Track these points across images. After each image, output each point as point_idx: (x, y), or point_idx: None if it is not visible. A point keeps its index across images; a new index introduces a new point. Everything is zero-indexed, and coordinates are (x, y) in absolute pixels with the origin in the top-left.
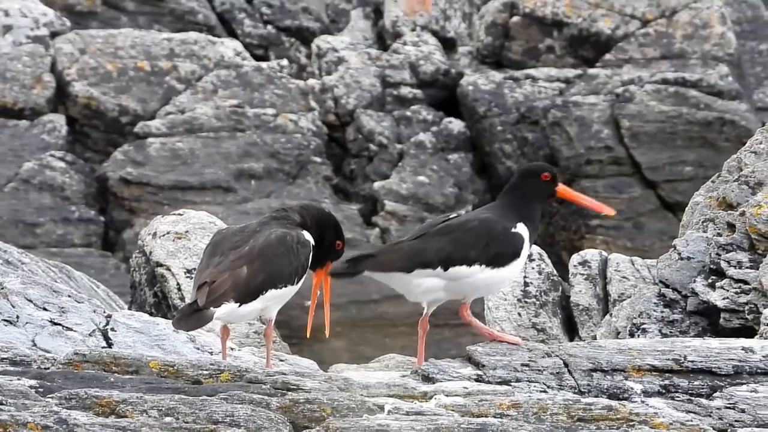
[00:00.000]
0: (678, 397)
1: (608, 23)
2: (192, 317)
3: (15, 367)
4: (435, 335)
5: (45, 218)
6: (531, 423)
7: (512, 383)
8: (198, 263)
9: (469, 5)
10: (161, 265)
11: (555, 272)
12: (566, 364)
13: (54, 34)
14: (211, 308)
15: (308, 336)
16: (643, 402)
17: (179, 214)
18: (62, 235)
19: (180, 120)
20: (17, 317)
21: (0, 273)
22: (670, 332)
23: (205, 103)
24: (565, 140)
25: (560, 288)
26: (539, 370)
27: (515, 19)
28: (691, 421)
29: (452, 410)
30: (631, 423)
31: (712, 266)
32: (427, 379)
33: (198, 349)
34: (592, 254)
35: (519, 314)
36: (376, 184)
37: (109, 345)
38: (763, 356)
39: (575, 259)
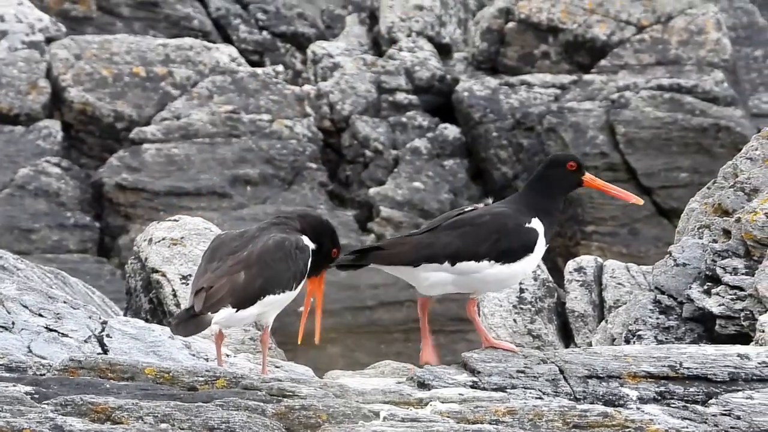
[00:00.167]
0: (674, 403)
1: (603, 29)
2: (189, 323)
3: (10, 374)
4: None
5: (40, 224)
6: (526, 430)
7: (508, 390)
8: (196, 269)
9: (465, 11)
10: (157, 272)
11: (550, 279)
12: (562, 371)
13: (49, 40)
14: (209, 313)
15: (299, 342)
16: (638, 409)
17: (175, 220)
18: (58, 241)
19: (175, 126)
20: (13, 323)
21: None
22: (666, 339)
23: (200, 108)
24: (561, 146)
25: (556, 294)
26: (535, 377)
27: (510, 25)
28: (687, 427)
29: (448, 417)
30: (627, 430)
31: (707, 273)
32: (423, 385)
33: (194, 355)
34: (587, 261)
35: (515, 321)
36: (372, 190)
37: (105, 351)
38: (759, 363)
39: (571, 265)
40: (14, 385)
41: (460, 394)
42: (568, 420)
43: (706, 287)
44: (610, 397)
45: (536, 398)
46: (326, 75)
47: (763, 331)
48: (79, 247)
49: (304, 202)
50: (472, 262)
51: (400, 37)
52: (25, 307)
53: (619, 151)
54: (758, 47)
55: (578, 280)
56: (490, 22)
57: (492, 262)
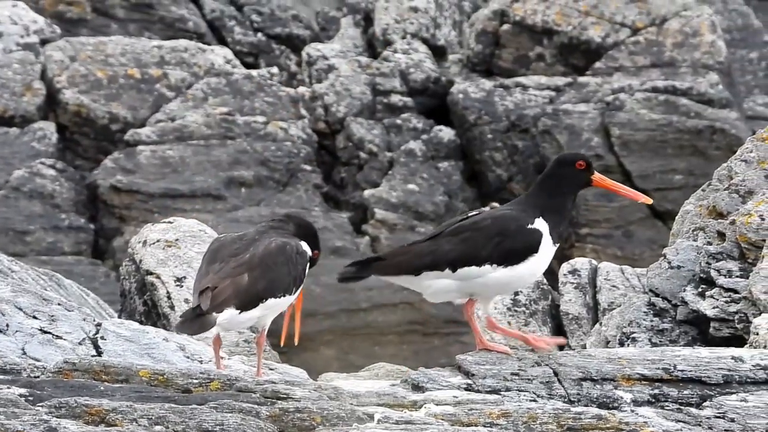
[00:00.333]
0: (668, 406)
1: (598, 31)
2: (195, 322)
3: (5, 376)
4: (424, 344)
5: (35, 226)
6: None
7: (502, 392)
8: (191, 271)
9: (460, 13)
10: (151, 274)
11: (545, 281)
12: (556, 373)
13: (44, 42)
14: (213, 314)
15: (282, 344)
16: (632, 411)
17: (169, 222)
18: (52, 243)
19: (170, 128)
20: (7, 325)
21: None
22: (660, 341)
23: (195, 110)
24: (556, 148)
25: (550, 297)
26: (529, 379)
27: (505, 27)
28: (681, 430)
29: (442, 419)
30: None
31: (702, 275)
32: (417, 388)
33: (188, 357)
34: (581, 263)
35: (509, 323)
36: (366, 192)
37: (99, 353)
38: (753, 365)
39: (565, 267)
40: (8, 388)
41: (454, 397)
42: (563, 422)
43: (700, 290)
44: (605, 399)
45: (530, 401)
46: (321, 77)
47: (758, 334)
48: (74, 249)
49: (299, 204)
50: (474, 267)
51: (395, 39)
52: (20, 309)
53: (614, 153)
54: (753, 49)
55: (572, 283)
56: (484, 24)
57: (494, 265)
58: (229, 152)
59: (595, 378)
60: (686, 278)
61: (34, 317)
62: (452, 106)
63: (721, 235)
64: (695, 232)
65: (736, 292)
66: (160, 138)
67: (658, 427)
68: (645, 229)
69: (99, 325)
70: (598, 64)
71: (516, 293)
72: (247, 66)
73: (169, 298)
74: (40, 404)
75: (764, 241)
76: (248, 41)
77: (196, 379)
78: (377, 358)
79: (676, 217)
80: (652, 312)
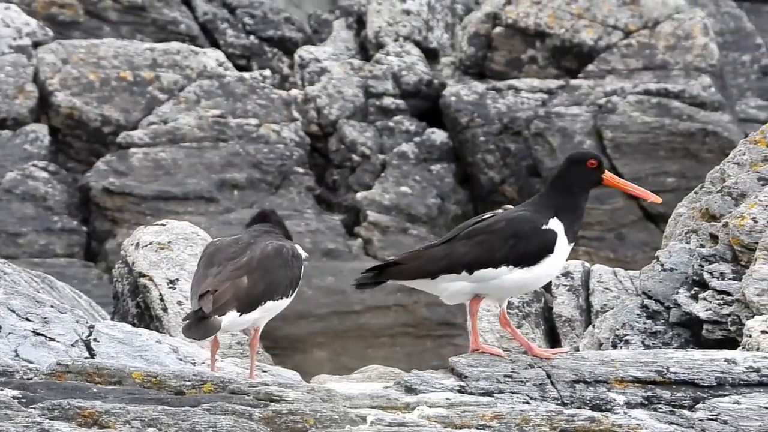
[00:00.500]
0: (661, 408)
1: (591, 34)
2: (200, 326)
3: None
4: (417, 346)
5: (27, 228)
6: None
7: (495, 394)
8: (183, 273)
9: (452, 16)
10: (144, 276)
11: None
12: (549, 376)
13: (36, 44)
14: (216, 316)
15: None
16: (625, 413)
17: (162, 225)
18: (45, 246)
19: (163, 130)
20: (0, 327)
21: None
22: (653, 343)
23: (187, 113)
24: (548, 151)
25: (543, 299)
26: (522, 382)
27: (498, 29)
28: None
29: (435, 421)
30: None
31: (695, 277)
32: (410, 390)
33: (181, 359)
34: (574, 265)
35: None
36: (359, 195)
37: (92, 355)
38: (746, 368)
39: None
40: (1, 389)
41: (447, 399)
42: (555, 425)
43: (693, 292)
44: (597, 401)
45: (523, 403)
46: (313, 79)
47: (750, 336)
48: (66, 252)
49: (292, 207)
50: (490, 269)
51: (388, 41)
52: (12, 311)
53: (607, 155)
54: (745, 52)
55: (565, 285)
56: (477, 27)
57: (510, 267)
58: (221, 154)
59: (588, 380)
60: (679, 281)
61: (27, 319)
62: (445, 108)
63: (714, 238)
64: (688, 235)
65: (728, 294)
66: (153, 140)
67: (650, 430)
68: (638, 232)
69: (92, 327)
70: (590, 67)
71: None
72: (240, 68)
73: (161, 300)
74: (33, 406)
75: (757, 243)
76: (241, 44)
77: (189, 381)
78: (370, 361)
79: (669, 220)
80: (645, 314)
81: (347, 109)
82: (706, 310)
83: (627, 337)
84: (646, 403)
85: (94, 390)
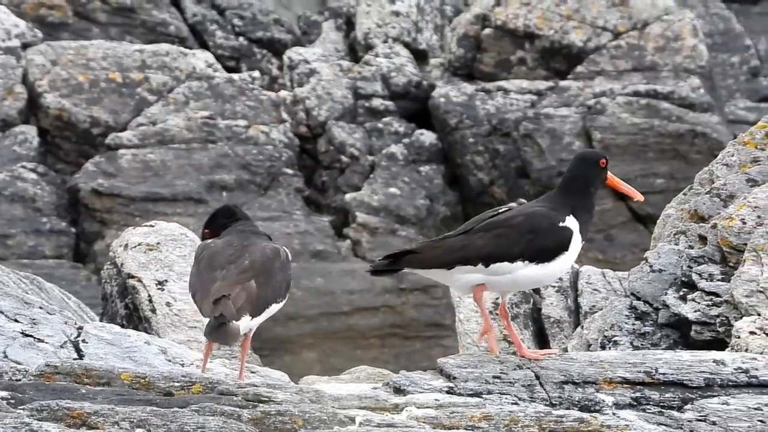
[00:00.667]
0: (649, 409)
1: (580, 35)
2: (222, 331)
3: None
4: (405, 347)
5: (16, 230)
6: None
7: (484, 395)
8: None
9: (441, 17)
10: (132, 277)
11: None
12: (538, 377)
13: (26, 46)
14: (233, 322)
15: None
16: (614, 414)
17: (151, 226)
18: (33, 247)
19: (152, 131)
20: None
21: None
22: (642, 345)
23: (176, 114)
24: (537, 152)
25: (531, 300)
26: (511, 383)
27: (487, 31)
28: None
29: (424, 422)
30: None
31: (683, 279)
32: (399, 391)
33: (169, 361)
34: None
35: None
36: (348, 196)
37: (81, 357)
38: (735, 369)
39: None
40: None
41: (436, 400)
42: (544, 425)
43: (681, 293)
44: (586, 402)
45: (512, 404)
46: (302, 81)
47: (739, 337)
48: (55, 253)
49: (281, 208)
50: (506, 263)
51: (377, 43)
52: (1, 312)
53: None
54: (734, 53)
55: (554, 286)
56: (466, 29)
57: (526, 262)
58: (210, 156)
59: (577, 381)
60: (668, 282)
61: (16, 320)
62: (434, 110)
63: (703, 239)
64: (677, 236)
65: (717, 295)
66: (142, 142)
67: (639, 430)
68: (626, 233)
69: (80, 328)
70: (579, 68)
71: (497, 297)
72: (229, 70)
73: (150, 301)
74: (21, 407)
75: (745, 244)
76: (230, 45)
77: (177, 382)
78: (358, 361)
79: (658, 221)
80: (633, 315)
81: (336, 111)
82: (695, 311)
83: (616, 338)
84: (635, 404)
85: (83, 391)
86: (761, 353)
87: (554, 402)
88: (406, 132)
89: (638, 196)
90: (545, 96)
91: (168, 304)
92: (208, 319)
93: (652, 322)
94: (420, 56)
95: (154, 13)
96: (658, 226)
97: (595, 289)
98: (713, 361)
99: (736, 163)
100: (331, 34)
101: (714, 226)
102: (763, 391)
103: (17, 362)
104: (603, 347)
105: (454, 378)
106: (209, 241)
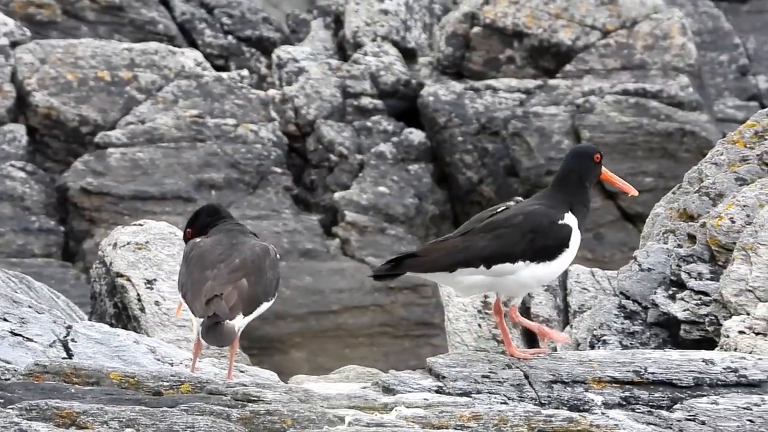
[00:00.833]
0: (638, 408)
1: (569, 34)
2: (218, 331)
3: None
4: (394, 346)
5: (5, 228)
6: None
7: (473, 395)
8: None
9: (430, 16)
10: (121, 276)
11: None
12: (527, 376)
13: (14, 44)
14: (228, 321)
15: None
16: (603, 414)
17: (140, 225)
18: (22, 246)
19: (140, 130)
20: None
21: None
22: (631, 344)
23: (165, 113)
24: (526, 151)
25: (509, 300)
26: (500, 382)
27: (476, 29)
28: None
29: (413, 422)
30: None
31: (672, 278)
32: (388, 390)
33: (158, 360)
34: None
35: (479, 325)
36: (337, 195)
37: (70, 356)
38: (724, 368)
39: None
40: None
41: (425, 399)
42: (533, 425)
43: (671, 292)
44: (575, 402)
45: (501, 403)
46: (291, 79)
47: (728, 336)
48: (44, 252)
49: (269, 207)
50: (508, 264)
51: (365, 41)
52: None
53: None
54: (723, 52)
55: (543, 285)
56: (455, 27)
57: (528, 262)
58: (199, 155)
59: (566, 380)
60: (657, 281)
61: (5, 320)
62: (422, 108)
63: (692, 238)
64: (666, 235)
65: (706, 294)
66: (131, 140)
67: (628, 430)
68: (615, 232)
69: (69, 327)
70: (568, 67)
71: (486, 296)
72: (218, 68)
73: (139, 300)
74: (10, 407)
75: (734, 243)
76: (218, 44)
77: (166, 381)
78: (347, 361)
79: (647, 220)
80: (622, 314)
81: (325, 109)
82: (684, 311)
83: (605, 338)
84: (624, 403)
85: (72, 390)
86: (750, 352)
87: (543, 401)
88: (394, 131)
89: (632, 191)
90: (534, 94)
91: (157, 303)
92: (198, 319)
93: (641, 321)
94: (409, 55)
95: (142, 12)
96: (647, 225)
97: (584, 288)
98: (702, 361)
99: (725, 161)
100: (320, 32)
101: (703, 225)
102: (752, 391)
103: (6, 361)
104: (592, 346)
105: (444, 377)
106: (198, 240)
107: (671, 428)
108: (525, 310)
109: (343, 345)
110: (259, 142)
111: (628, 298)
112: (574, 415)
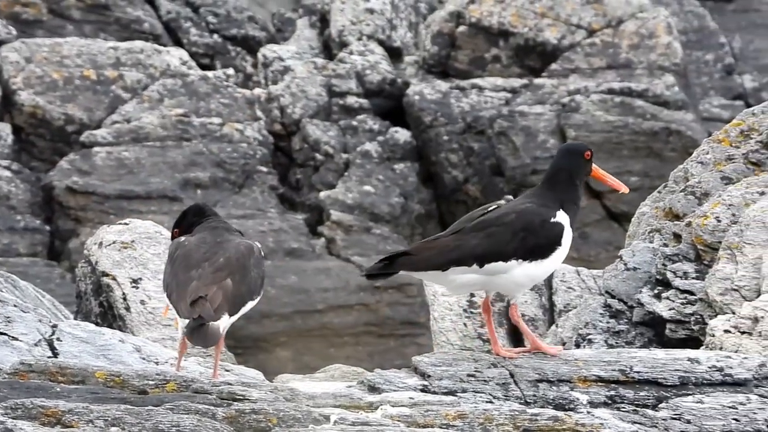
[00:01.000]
0: (624, 407)
1: (554, 33)
2: (202, 333)
3: None
4: (380, 345)
5: None
6: None
7: (458, 393)
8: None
9: (416, 15)
10: (107, 275)
11: None
12: (512, 375)
13: (0, 43)
14: (212, 322)
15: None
16: (589, 413)
17: (125, 224)
18: (8, 245)
19: (126, 129)
20: None
21: None
22: (616, 343)
23: (151, 112)
24: (511, 150)
25: (506, 298)
26: (485, 381)
27: (461, 28)
28: (637, 431)
29: (398, 421)
30: None
31: (658, 277)
32: (373, 389)
33: (144, 359)
34: None
35: (465, 324)
36: (322, 194)
37: (55, 355)
38: (709, 367)
39: None
40: None
41: (410, 398)
42: (519, 424)
43: (656, 291)
44: (561, 401)
45: (487, 402)
46: (277, 78)
47: (714, 335)
48: (29, 251)
49: (255, 206)
50: (500, 263)
51: (351, 40)
52: None
53: None
54: (709, 51)
55: (536, 283)
56: (440, 26)
57: (520, 261)
58: (184, 154)
59: (552, 379)
60: (642, 280)
61: None
62: (408, 107)
63: (677, 237)
64: (651, 234)
65: (692, 293)
66: (116, 139)
67: (614, 429)
68: (601, 231)
69: (55, 326)
70: (554, 66)
71: (472, 294)
72: (203, 67)
73: (124, 299)
74: None
75: (720, 242)
76: (204, 42)
77: (152, 380)
78: (333, 360)
79: (632, 219)
80: (608, 314)
81: (310, 108)
82: (670, 310)
83: (590, 337)
84: (610, 402)
85: (58, 389)
86: (736, 351)
87: (529, 400)
88: (380, 130)
89: (623, 188)
90: (520, 94)
91: (142, 302)
92: (183, 320)
93: (626, 320)
94: (394, 54)
95: (128, 11)
96: (632, 224)
97: (570, 287)
98: (688, 360)
99: (711, 161)
100: (306, 31)
101: (689, 224)
102: (737, 390)
103: None
104: (577, 345)
105: (429, 376)
106: (182, 239)
107: (657, 427)
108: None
109: (328, 344)
110: (245, 141)
111: (613, 297)
112: (560, 414)
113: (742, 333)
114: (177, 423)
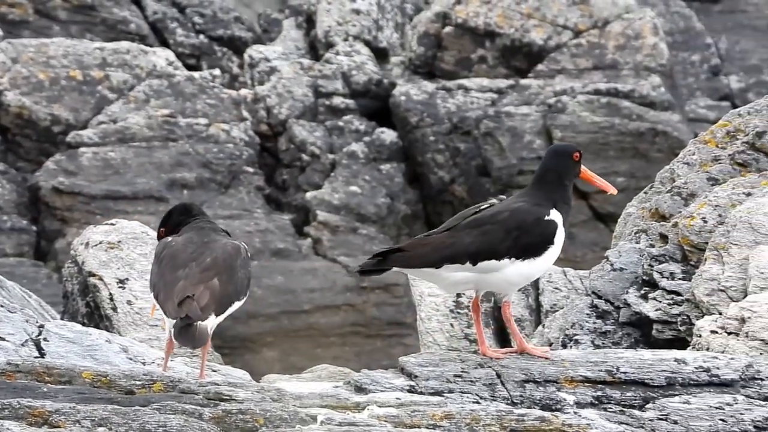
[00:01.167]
0: (611, 408)
1: (541, 34)
2: (189, 333)
3: None
4: (367, 346)
5: None
6: None
7: (445, 394)
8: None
9: (402, 15)
10: (93, 275)
11: None
12: (499, 375)
13: None
14: (199, 322)
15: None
16: (575, 413)
17: (112, 224)
18: None
19: (112, 129)
20: None
21: None
22: (603, 343)
23: (137, 112)
24: (498, 150)
25: (492, 299)
26: (472, 381)
27: (448, 29)
28: (624, 431)
29: (385, 421)
30: None
31: (644, 277)
32: (360, 389)
33: (131, 359)
34: None
35: (451, 325)
36: (308, 194)
37: (42, 355)
38: (696, 368)
39: None
40: None
41: (397, 398)
42: (506, 424)
43: (643, 292)
44: (548, 401)
45: (473, 402)
46: (263, 79)
47: (700, 336)
48: (16, 251)
49: (241, 206)
50: (493, 261)
51: (337, 41)
52: None
53: None
54: (695, 52)
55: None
56: (427, 27)
57: (513, 259)
58: (171, 154)
59: (538, 380)
60: (629, 280)
61: None
62: (394, 108)
63: (664, 238)
64: (638, 235)
65: (678, 294)
66: (102, 140)
67: (600, 429)
68: (587, 231)
69: (42, 326)
70: (540, 67)
71: (458, 295)
72: (189, 68)
73: (111, 299)
74: None
75: (706, 243)
76: (190, 43)
77: (139, 380)
78: (319, 360)
79: (619, 220)
80: (594, 314)
81: (297, 109)
82: (656, 310)
83: (577, 337)
84: (596, 402)
85: (44, 389)
86: (722, 352)
87: (515, 401)
88: (366, 130)
89: (612, 190)
90: (506, 94)
91: (129, 303)
92: (170, 319)
93: (613, 320)
94: (380, 54)
95: (114, 11)
96: (619, 224)
97: (557, 288)
98: (674, 360)
99: (697, 161)
100: (292, 32)
101: (675, 225)
102: (724, 390)
103: None
104: (564, 346)
105: (416, 377)
106: (169, 239)
107: (643, 428)
108: (497, 310)
109: (315, 344)
110: (231, 142)
111: (600, 297)
112: (547, 414)
113: (729, 333)
114: (164, 423)
